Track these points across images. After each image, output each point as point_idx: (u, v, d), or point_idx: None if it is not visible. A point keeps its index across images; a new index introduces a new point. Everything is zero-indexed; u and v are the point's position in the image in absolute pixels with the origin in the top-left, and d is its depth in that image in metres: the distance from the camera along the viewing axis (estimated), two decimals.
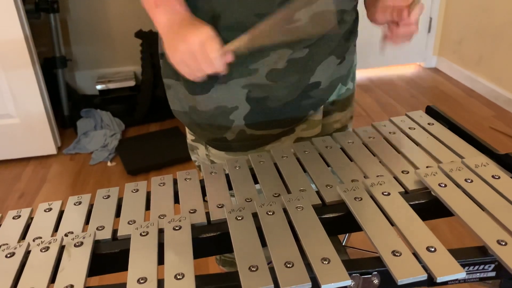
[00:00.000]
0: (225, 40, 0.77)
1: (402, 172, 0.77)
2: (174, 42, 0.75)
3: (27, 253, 0.63)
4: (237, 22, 0.78)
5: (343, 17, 0.86)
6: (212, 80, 0.83)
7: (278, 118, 0.88)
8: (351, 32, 0.91)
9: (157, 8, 0.76)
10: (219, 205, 0.72)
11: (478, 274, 0.61)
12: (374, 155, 0.84)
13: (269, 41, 0.79)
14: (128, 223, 0.70)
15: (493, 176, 0.72)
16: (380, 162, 0.82)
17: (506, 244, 0.58)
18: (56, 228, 0.72)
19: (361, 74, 3.16)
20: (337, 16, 0.84)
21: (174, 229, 0.65)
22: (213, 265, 1.55)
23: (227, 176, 0.81)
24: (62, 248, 0.64)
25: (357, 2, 0.90)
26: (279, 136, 0.92)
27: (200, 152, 0.99)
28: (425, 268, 0.55)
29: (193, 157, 1.03)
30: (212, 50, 0.72)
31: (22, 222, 0.73)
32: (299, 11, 0.77)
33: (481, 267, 0.60)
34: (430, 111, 0.98)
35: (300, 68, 0.84)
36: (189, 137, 1.01)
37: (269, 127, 0.89)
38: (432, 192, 0.71)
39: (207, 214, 0.71)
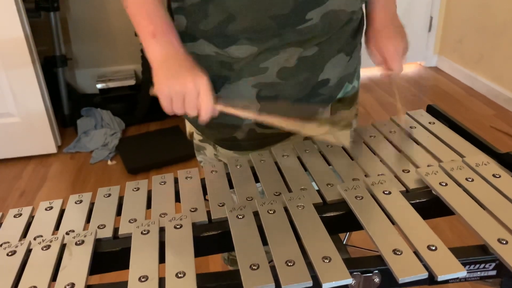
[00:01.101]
0: (239, 42, 0.77)
1: (403, 171, 0.77)
2: (167, 75, 0.74)
3: (28, 251, 0.63)
4: (251, 25, 0.77)
5: (352, 16, 0.86)
6: (221, 79, 0.83)
7: (288, 116, 0.88)
8: (358, 30, 0.91)
9: (153, 38, 0.76)
10: (220, 203, 0.72)
11: (479, 272, 0.61)
12: (375, 154, 0.84)
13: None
14: (129, 221, 0.71)
15: (493, 175, 0.72)
16: (381, 161, 0.82)
17: (506, 242, 0.58)
18: (57, 227, 0.72)
19: (362, 73, 3.12)
20: (347, 16, 0.84)
21: (175, 227, 0.65)
22: (213, 263, 1.56)
23: (228, 174, 0.82)
24: (63, 247, 0.64)
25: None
26: (288, 135, 0.92)
27: (208, 153, 0.98)
28: (426, 266, 0.55)
29: (199, 158, 1.02)
30: (204, 101, 0.73)
31: (23, 220, 0.73)
32: (312, 11, 0.77)
33: (482, 265, 0.60)
34: (431, 110, 0.98)
35: (310, 65, 0.84)
36: (196, 137, 1.00)
37: None
38: (433, 191, 0.71)
39: (208, 212, 0.71)
